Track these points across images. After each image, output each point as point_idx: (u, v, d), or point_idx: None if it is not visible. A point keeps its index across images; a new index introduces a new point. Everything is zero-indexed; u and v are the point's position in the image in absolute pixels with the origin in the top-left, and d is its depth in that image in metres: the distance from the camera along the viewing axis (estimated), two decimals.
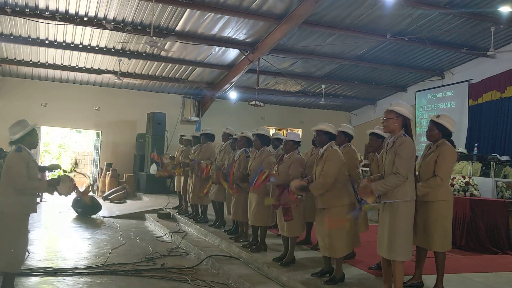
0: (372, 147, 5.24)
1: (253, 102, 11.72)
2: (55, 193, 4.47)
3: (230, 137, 7.37)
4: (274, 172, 5.31)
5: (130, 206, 11.23)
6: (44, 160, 16.16)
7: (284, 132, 15.88)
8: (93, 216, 9.88)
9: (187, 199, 8.84)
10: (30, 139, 4.33)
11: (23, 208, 4.27)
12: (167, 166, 9.21)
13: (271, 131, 14.86)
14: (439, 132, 4.35)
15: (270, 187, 5.54)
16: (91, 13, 9.29)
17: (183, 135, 9.53)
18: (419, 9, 9.09)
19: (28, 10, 9.03)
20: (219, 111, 14.85)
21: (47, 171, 10.75)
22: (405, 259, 3.91)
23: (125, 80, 12.73)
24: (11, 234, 4.19)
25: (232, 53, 11.52)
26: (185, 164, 8.57)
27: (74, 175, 4.63)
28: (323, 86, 14.12)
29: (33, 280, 5.12)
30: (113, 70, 12.44)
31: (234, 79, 12.49)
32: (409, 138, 3.88)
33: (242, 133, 6.67)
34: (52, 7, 9.00)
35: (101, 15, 9.33)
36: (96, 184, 12.89)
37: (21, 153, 4.23)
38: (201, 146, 8.16)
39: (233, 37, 10.47)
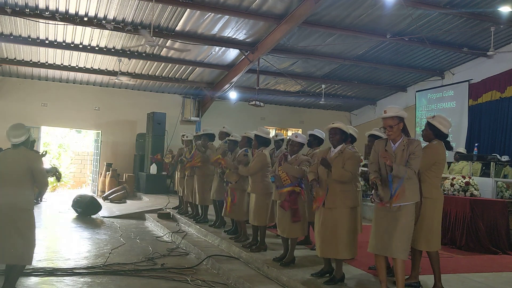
0: (371, 148, 5.23)
1: (253, 102, 11.70)
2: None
3: (227, 138, 7.38)
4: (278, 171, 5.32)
5: (130, 206, 11.23)
6: (44, 160, 16.12)
7: (285, 132, 15.89)
8: (93, 216, 9.89)
9: (188, 199, 8.82)
10: (29, 142, 4.61)
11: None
12: (169, 165, 9.20)
13: (272, 131, 14.89)
14: (431, 132, 4.36)
15: (272, 187, 5.55)
16: (91, 13, 9.28)
17: (184, 134, 9.51)
18: (419, 9, 9.09)
19: (28, 10, 9.03)
20: (219, 111, 14.84)
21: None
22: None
23: (125, 80, 12.73)
24: (33, 229, 4.50)
25: (232, 53, 11.52)
26: (181, 161, 8.56)
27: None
28: (323, 86, 14.11)
29: (33, 280, 5.13)
30: (113, 70, 12.44)
31: (234, 79, 12.48)
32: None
33: (245, 133, 6.70)
34: (52, 7, 9.00)
35: (101, 15, 9.33)
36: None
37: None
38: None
39: (233, 37, 10.46)
